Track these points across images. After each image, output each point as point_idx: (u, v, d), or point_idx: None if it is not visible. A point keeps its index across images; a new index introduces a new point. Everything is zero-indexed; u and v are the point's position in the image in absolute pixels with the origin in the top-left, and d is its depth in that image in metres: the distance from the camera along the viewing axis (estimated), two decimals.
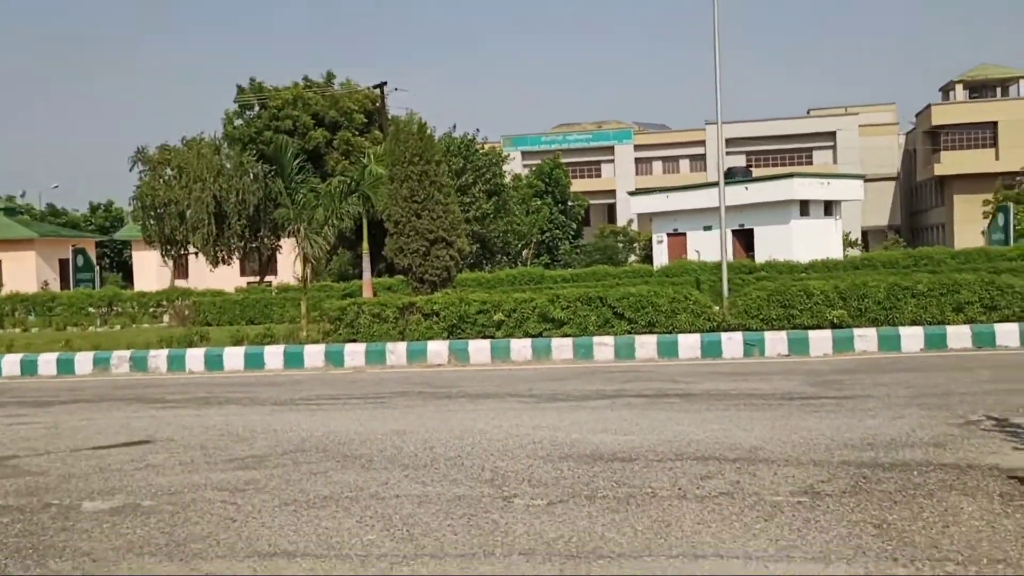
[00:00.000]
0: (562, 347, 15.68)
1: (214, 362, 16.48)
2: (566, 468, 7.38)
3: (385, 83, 35.73)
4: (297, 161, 18.44)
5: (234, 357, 16.50)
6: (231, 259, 34.39)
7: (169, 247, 34.98)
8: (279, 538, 5.78)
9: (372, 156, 22.76)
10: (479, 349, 15.93)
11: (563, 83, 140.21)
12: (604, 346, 15.45)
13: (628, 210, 56.21)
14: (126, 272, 57.36)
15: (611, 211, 73.55)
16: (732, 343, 15.12)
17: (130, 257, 57.36)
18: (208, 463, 8.27)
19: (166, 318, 29.16)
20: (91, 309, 30.43)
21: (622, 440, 8.54)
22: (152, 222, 34.57)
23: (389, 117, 34.32)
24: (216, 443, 9.32)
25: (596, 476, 7.06)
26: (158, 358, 16.65)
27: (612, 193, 73.50)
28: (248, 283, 40.67)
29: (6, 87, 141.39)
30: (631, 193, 50.70)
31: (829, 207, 39.92)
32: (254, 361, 16.41)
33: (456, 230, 20.67)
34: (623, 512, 6.01)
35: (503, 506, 6.29)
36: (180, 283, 39.79)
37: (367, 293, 21.12)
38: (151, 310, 30.28)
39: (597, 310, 16.20)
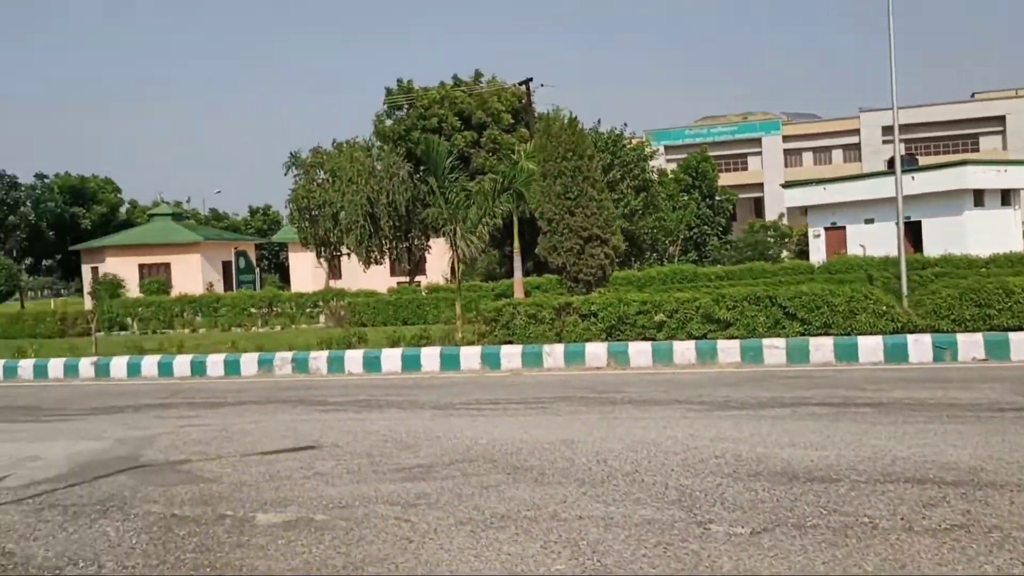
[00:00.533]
0: (728, 350, 14.83)
1: (372, 364, 16.50)
2: (760, 489, 6.70)
3: (531, 79, 35.47)
4: (450, 160, 18.23)
5: (391, 359, 16.46)
6: (383, 259, 35.00)
7: (323, 248, 35.95)
8: (460, 564, 5.38)
9: (523, 153, 22.43)
10: (640, 351, 15.28)
11: (705, 75, 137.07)
12: (775, 349, 14.51)
13: (777, 204, 54.19)
14: (283, 273, 59.55)
15: (758, 205, 71.15)
16: (919, 346, 13.89)
17: (286, 259, 59.47)
18: (376, 472, 8.02)
19: (322, 318, 29.84)
20: (252, 310, 31.47)
21: (815, 456, 7.76)
22: (307, 224, 35.61)
23: (536, 114, 34.01)
24: (381, 450, 9.09)
25: (798, 499, 6.35)
26: (319, 360, 16.81)
27: (759, 187, 71.15)
28: (398, 283, 41.30)
29: (173, 99, 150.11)
30: (784, 185, 48.74)
31: (1007, 196, 37.06)
32: (411, 363, 16.32)
33: (610, 227, 20.05)
34: (843, 547, 5.30)
35: (700, 534, 5.68)
36: (334, 284, 40.88)
37: (518, 293, 20.86)
38: (308, 310, 31.00)
39: (766, 310, 15.25)
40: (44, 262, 61.62)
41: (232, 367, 17.25)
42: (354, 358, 16.69)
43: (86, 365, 18.07)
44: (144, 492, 7.87)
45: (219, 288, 43.78)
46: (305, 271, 52.17)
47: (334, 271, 45.25)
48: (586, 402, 11.93)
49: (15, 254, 52.54)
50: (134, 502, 7.44)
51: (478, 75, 36.38)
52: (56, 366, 18.31)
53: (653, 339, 15.66)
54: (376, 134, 35.92)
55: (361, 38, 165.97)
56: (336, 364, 16.73)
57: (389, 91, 36.85)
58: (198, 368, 17.40)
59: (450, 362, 16.17)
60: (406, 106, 35.66)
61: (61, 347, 20.18)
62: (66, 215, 59.76)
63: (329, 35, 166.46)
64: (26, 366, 18.52)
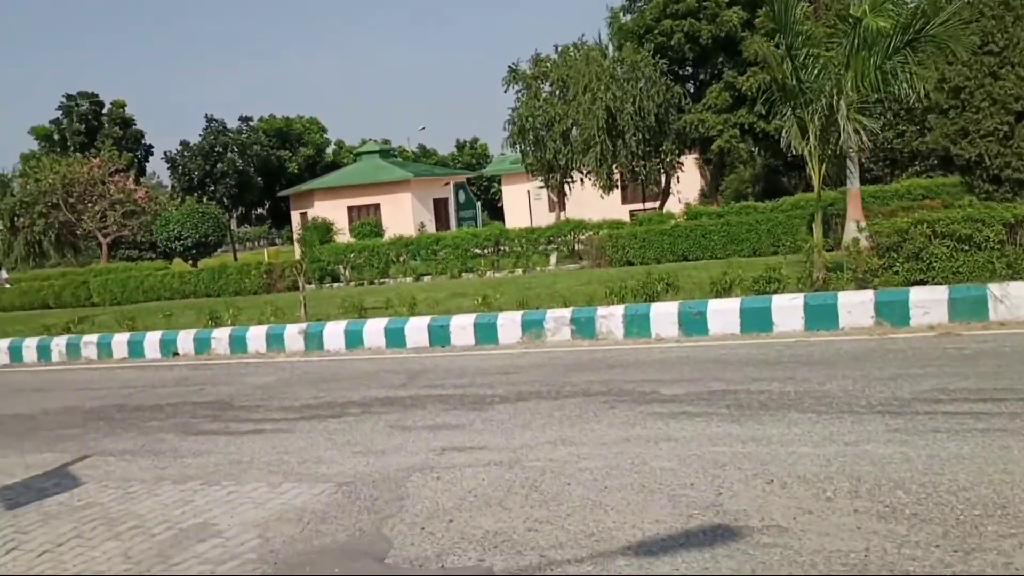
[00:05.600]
0: None
1: (692, 323, 10.95)
2: None
3: None
4: (800, 7, 11.99)
5: (723, 316, 10.84)
6: (626, 181, 29.30)
7: (551, 174, 30.72)
8: None
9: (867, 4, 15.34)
10: None
11: None
12: None
13: None
14: (493, 210, 55.23)
15: None
16: None
17: (497, 193, 55.08)
18: None
19: (553, 258, 24.65)
20: (476, 250, 26.75)
21: None
22: (531, 147, 30.46)
23: None
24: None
25: None
26: (610, 318, 11.45)
27: None
28: (631, 212, 35.60)
29: (376, 33, 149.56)
30: None
31: None
32: (756, 321, 10.63)
33: None
34: None
35: None
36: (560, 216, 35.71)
37: (855, 211, 14.66)
38: (541, 248, 25.90)
39: None
40: (254, 211, 60.25)
41: (485, 332, 12.19)
42: (664, 315, 11.20)
43: (293, 334, 13.62)
44: None
45: (430, 228, 39.76)
46: (520, 206, 47.45)
47: (555, 202, 40.15)
48: None
49: (225, 203, 50.82)
50: None
51: None
52: (256, 337, 13.97)
53: None
54: (613, 34, 29.64)
55: None
56: (637, 325, 11.29)
57: None
58: (439, 335, 12.46)
59: (822, 316, 10.36)
60: None
61: (264, 309, 15.96)
62: (273, 159, 57.78)
63: None
64: (221, 337, 14.31)
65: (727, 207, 23.74)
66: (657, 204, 31.17)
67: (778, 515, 5.05)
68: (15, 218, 37.36)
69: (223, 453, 7.92)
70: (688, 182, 34.13)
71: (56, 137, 56.86)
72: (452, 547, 5.09)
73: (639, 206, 37.07)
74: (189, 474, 7.33)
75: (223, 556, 5.40)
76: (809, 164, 11.68)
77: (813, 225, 12.59)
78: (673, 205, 29.15)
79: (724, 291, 11.60)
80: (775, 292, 11.11)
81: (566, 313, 11.75)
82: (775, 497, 5.34)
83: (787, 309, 10.52)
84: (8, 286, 30.20)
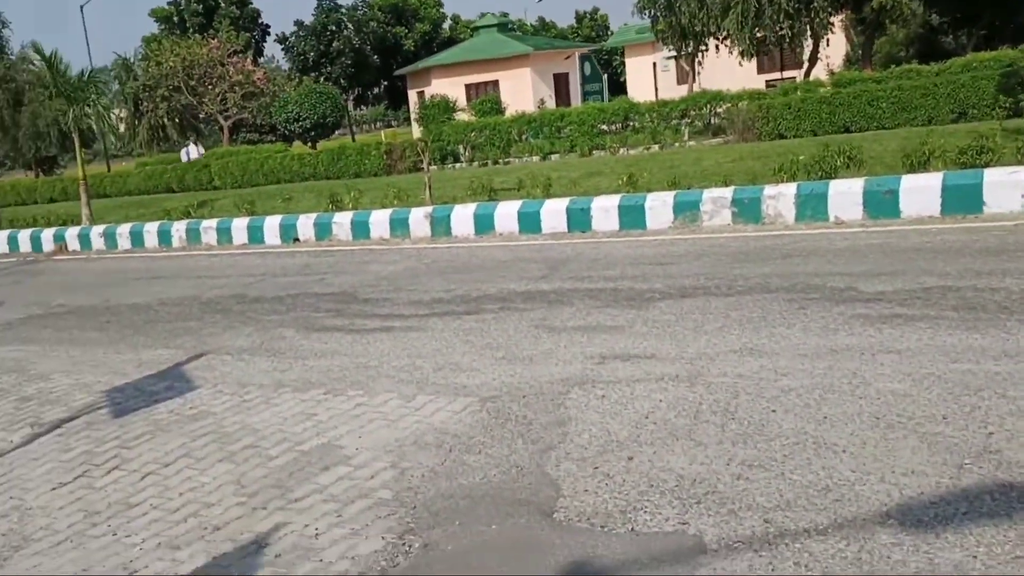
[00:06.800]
0: None
1: (880, 204, 9.29)
2: None
3: None
4: None
5: (919, 194, 9.12)
6: (770, 46, 26.73)
7: (684, 41, 28.36)
8: None
9: None
10: None
11: None
12: None
13: None
14: (616, 84, 52.59)
15: None
16: None
17: (620, 67, 52.34)
18: None
19: (685, 133, 22.74)
20: (603, 126, 25.02)
21: None
22: (662, 13, 28.10)
23: None
24: None
25: None
26: (780, 198, 9.88)
27: None
28: (768, 82, 32.85)
29: None
30: None
31: None
32: (963, 201, 8.90)
33: None
34: None
35: None
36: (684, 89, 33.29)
37: None
38: (673, 123, 23.96)
39: None
40: (371, 91, 59.18)
41: (631, 215, 10.80)
42: (846, 194, 9.54)
43: (419, 219, 12.56)
44: None
45: (550, 105, 37.89)
46: (645, 79, 44.77)
47: (682, 74, 37.57)
48: None
49: (341, 83, 49.85)
50: None
51: None
52: (380, 222, 12.98)
53: None
54: None
55: None
56: (812, 206, 9.69)
57: None
58: (578, 219, 11.14)
59: None
60: None
61: (386, 192, 14.96)
62: (388, 36, 56.24)
63: None
64: (342, 222, 13.39)
65: (884, 72, 21.21)
66: (798, 73, 28.45)
67: None
68: (139, 102, 37.44)
69: (348, 355, 6.97)
70: (832, 47, 31.09)
71: (175, 19, 56.80)
72: (639, 498, 3.94)
73: (777, 75, 34.21)
74: (311, 380, 6.42)
75: (350, 492, 4.42)
76: None
77: None
78: (819, 73, 26.49)
79: (920, 165, 9.82)
80: (986, 165, 9.28)
81: (726, 193, 10.22)
82: None
83: (1002, 185, 8.73)
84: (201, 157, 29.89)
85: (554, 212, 11.33)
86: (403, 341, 7.16)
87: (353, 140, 41.66)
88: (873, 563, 3.19)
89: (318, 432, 5.34)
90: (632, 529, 3.68)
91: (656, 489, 4.00)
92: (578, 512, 3.90)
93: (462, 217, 12.11)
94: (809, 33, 24.74)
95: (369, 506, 4.25)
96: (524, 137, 25.36)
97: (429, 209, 12.68)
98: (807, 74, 25.20)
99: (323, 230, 13.52)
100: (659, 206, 10.59)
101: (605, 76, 32.89)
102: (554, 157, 22.07)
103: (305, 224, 13.75)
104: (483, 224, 11.92)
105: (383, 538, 3.92)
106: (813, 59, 25.38)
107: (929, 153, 9.85)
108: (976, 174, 8.95)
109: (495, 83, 41.91)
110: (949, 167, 9.64)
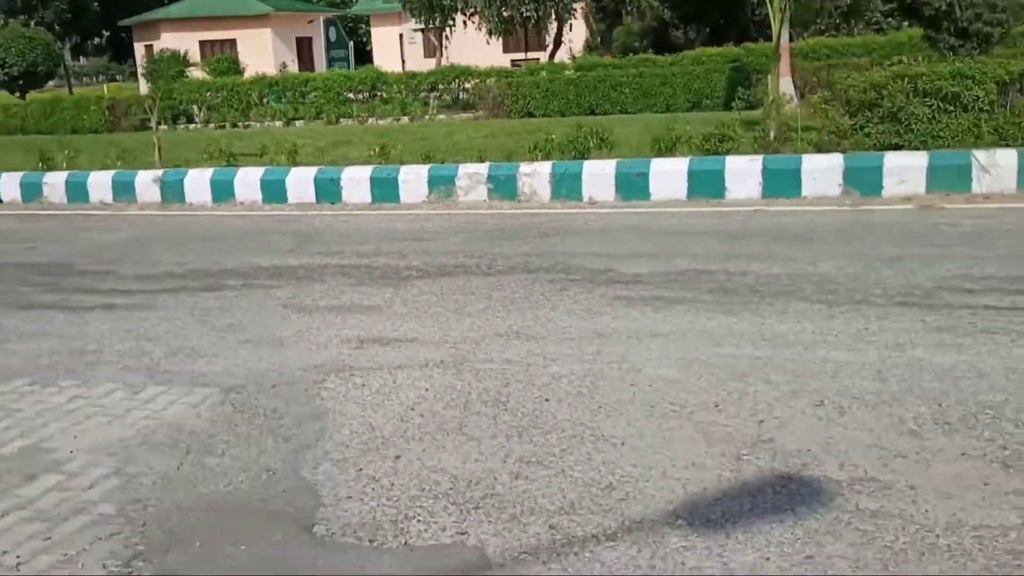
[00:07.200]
0: None
1: (630, 186, 9.44)
2: None
3: None
4: None
5: (667, 178, 9.36)
6: (516, 25, 26.98)
7: (432, 15, 28.03)
8: None
9: None
10: None
11: None
12: None
13: None
14: (360, 53, 51.37)
15: None
16: None
17: (366, 35, 51.16)
18: None
19: (435, 105, 22.53)
20: (349, 95, 24.20)
21: None
22: None
23: None
24: None
25: None
26: (535, 176, 9.78)
27: None
28: (513, 61, 33.35)
29: None
30: None
31: None
32: (706, 186, 9.23)
33: None
34: None
35: None
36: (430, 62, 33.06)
37: (785, 67, 13.24)
38: (422, 95, 23.63)
39: None
40: (91, 42, 53.84)
41: (384, 188, 10.28)
42: (599, 175, 9.61)
43: (147, 182, 11.31)
44: None
45: (293, 69, 36.27)
46: (391, 50, 44.07)
47: (428, 47, 37.36)
48: None
49: (56, 29, 44.88)
50: None
51: None
52: (100, 184, 11.56)
53: None
54: None
55: None
56: (567, 185, 9.67)
57: None
58: (327, 190, 10.46)
59: (781, 183, 9.05)
60: None
61: (108, 151, 13.41)
62: None
63: None
64: (55, 183, 11.79)
65: (623, 59, 22.13)
66: (543, 55, 29.09)
67: (858, 458, 3.70)
68: None
69: (62, 336, 6.00)
70: (575, 33, 32.14)
71: None
72: (411, 504, 3.52)
73: (522, 56, 34.83)
74: (14, 367, 5.43)
75: (62, 507, 3.66)
76: (770, 6, 10.09)
77: (770, 77, 11.15)
78: (562, 56, 27.21)
79: (667, 150, 10.10)
80: (727, 153, 9.69)
81: (482, 169, 9.98)
82: (839, 428, 3.99)
83: (742, 172, 9.13)
84: None
85: (301, 181, 10.58)
86: (128, 321, 6.27)
87: (71, 92, 37.72)
88: (668, 570, 2.98)
89: (21, 432, 4.46)
90: (406, 543, 3.26)
91: (429, 493, 3.60)
92: (342, 524, 3.41)
93: (198, 183, 11.03)
94: (554, 16, 25.28)
95: (86, 524, 3.52)
96: (266, 100, 24.05)
97: (159, 172, 11.45)
98: (551, 56, 25.79)
99: (32, 191, 11.86)
100: (413, 179, 10.17)
101: (351, 44, 31.89)
102: (299, 124, 21.05)
103: (9, 183, 12.01)
104: (221, 191, 10.92)
105: (104, 566, 3.23)
106: (557, 42, 26.01)
107: (676, 139, 10.16)
108: (719, 161, 9.33)
109: (232, 42, 39.51)
110: (695, 153, 9.99)
